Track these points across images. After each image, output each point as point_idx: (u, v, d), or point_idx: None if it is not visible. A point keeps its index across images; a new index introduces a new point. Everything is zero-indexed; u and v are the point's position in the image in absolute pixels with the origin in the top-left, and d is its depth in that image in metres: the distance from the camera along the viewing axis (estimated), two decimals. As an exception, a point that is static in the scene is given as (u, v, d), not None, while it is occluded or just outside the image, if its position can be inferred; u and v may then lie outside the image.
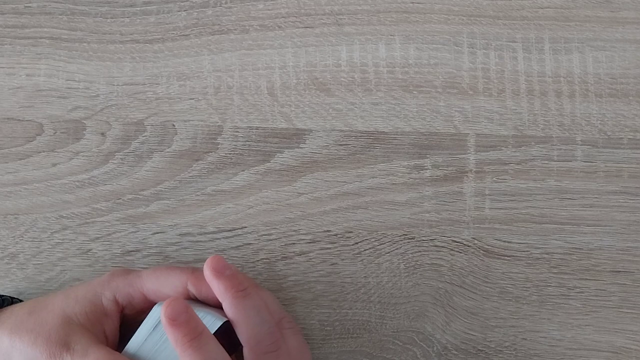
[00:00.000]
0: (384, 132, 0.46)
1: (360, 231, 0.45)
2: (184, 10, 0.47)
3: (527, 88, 0.46)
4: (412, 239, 0.45)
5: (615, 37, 0.46)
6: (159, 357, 0.37)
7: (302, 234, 0.45)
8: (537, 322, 0.44)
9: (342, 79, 0.46)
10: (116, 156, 0.46)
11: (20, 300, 0.43)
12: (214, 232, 0.46)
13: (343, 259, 0.45)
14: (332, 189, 0.46)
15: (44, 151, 0.46)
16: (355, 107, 0.46)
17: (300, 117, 0.46)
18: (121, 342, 0.40)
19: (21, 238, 0.46)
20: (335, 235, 0.45)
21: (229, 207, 0.46)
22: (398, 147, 0.46)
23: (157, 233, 0.46)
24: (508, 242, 0.45)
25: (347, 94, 0.46)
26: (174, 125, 0.46)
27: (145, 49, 0.47)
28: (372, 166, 0.46)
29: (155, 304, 0.39)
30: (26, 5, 0.48)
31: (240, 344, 0.37)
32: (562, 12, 0.46)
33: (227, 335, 0.37)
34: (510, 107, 0.46)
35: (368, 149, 0.46)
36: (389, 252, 0.45)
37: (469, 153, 0.45)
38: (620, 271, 0.44)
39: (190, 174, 0.46)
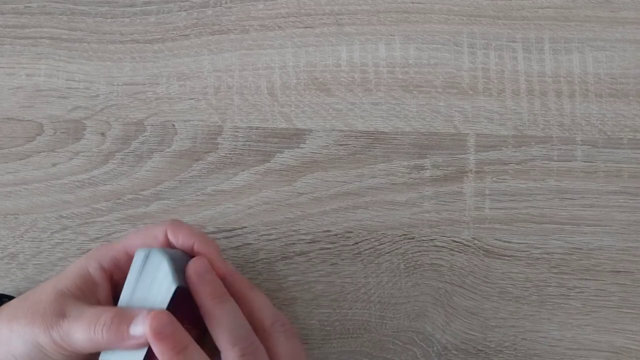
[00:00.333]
0: (384, 132, 0.46)
1: (360, 231, 0.45)
2: (184, 10, 0.47)
3: (527, 88, 0.46)
4: (412, 239, 0.45)
5: (615, 37, 0.46)
6: (150, 301, 0.37)
7: (302, 234, 0.45)
8: (537, 322, 0.44)
9: (342, 79, 0.46)
10: (116, 156, 0.46)
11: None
12: (214, 232, 0.46)
13: (343, 259, 0.45)
14: (332, 189, 0.46)
15: (44, 151, 0.46)
16: (355, 107, 0.46)
17: (300, 117, 0.46)
18: None
19: (21, 238, 0.46)
20: (335, 235, 0.45)
21: (229, 207, 0.46)
22: (398, 147, 0.46)
23: (157, 233, 0.46)
24: (508, 242, 0.45)
25: (347, 94, 0.46)
26: (174, 125, 0.46)
27: (145, 49, 0.47)
28: (372, 166, 0.46)
29: None
30: (26, 5, 0.48)
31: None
32: (562, 12, 0.46)
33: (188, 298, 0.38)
34: (510, 107, 0.46)
35: (368, 149, 0.46)
36: (389, 252, 0.45)
37: (469, 153, 0.45)
38: (620, 271, 0.44)
39: (190, 174, 0.46)
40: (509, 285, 0.45)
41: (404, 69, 0.46)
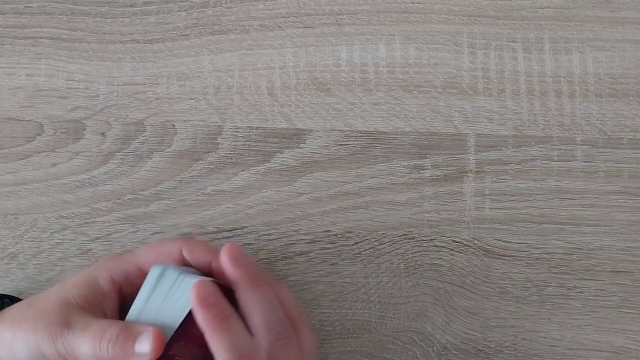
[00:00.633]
0: (384, 132, 0.46)
1: (360, 231, 0.45)
2: (184, 10, 0.47)
3: (527, 88, 0.46)
4: (412, 239, 0.45)
5: (615, 37, 0.46)
6: (160, 318, 0.37)
7: (302, 234, 0.45)
8: (537, 322, 0.44)
9: (342, 79, 0.46)
10: (116, 156, 0.46)
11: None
12: (214, 232, 0.46)
13: (343, 259, 0.45)
14: (332, 189, 0.46)
15: (44, 151, 0.46)
16: (355, 107, 0.46)
17: (300, 117, 0.46)
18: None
19: (21, 238, 0.46)
20: (335, 235, 0.45)
21: (229, 207, 0.46)
22: (398, 147, 0.46)
23: (157, 233, 0.46)
24: (508, 242, 0.45)
25: (347, 94, 0.46)
26: (174, 125, 0.46)
27: (145, 49, 0.47)
28: (372, 166, 0.46)
29: None
30: (26, 5, 0.48)
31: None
32: (562, 12, 0.46)
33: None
34: (510, 107, 0.46)
35: (368, 149, 0.46)
36: (389, 252, 0.45)
37: (469, 153, 0.45)
38: (620, 271, 0.44)
39: (190, 174, 0.46)
40: (509, 285, 0.45)
41: (404, 69, 0.46)
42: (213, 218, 0.46)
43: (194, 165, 0.46)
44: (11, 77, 0.47)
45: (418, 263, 0.45)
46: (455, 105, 0.46)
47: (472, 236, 0.45)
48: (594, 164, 0.45)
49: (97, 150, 0.46)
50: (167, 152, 0.46)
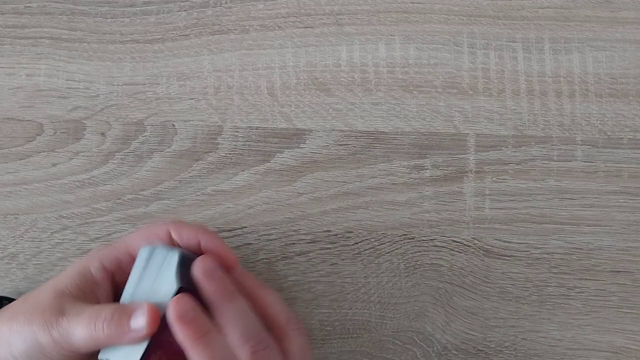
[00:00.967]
0: (384, 132, 0.46)
1: (360, 231, 0.45)
2: (184, 10, 0.47)
3: (527, 88, 0.46)
4: (412, 239, 0.45)
5: (615, 37, 0.46)
6: (153, 297, 0.37)
7: (302, 234, 0.45)
8: (537, 322, 0.44)
9: (342, 79, 0.46)
10: (116, 156, 0.46)
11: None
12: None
13: (343, 259, 0.45)
14: (332, 189, 0.46)
15: (44, 151, 0.46)
16: (355, 107, 0.46)
17: (300, 117, 0.46)
18: None
19: (21, 238, 0.46)
20: (335, 235, 0.45)
21: (229, 207, 0.46)
22: (398, 147, 0.46)
23: (157, 233, 0.46)
24: (508, 242, 0.45)
25: (347, 94, 0.46)
26: (174, 125, 0.46)
27: (145, 49, 0.47)
28: (372, 166, 0.46)
29: None
30: (26, 5, 0.48)
31: None
32: (562, 12, 0.46)
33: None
34: (510, 107, 0.46)
35: (368, 149, 0.46)
36: (389, 252, 0.45)
37: (469, 153, 0.45)
38: (620, 271, 0.44)
39: (190, 174, 0.46)
40: (509, 285, 0.45)
41: (404, 69, 0.46)
42: (213, 218, 0.46)
43: (194, 165, 0.46)
44: (11, 77, 0.47)
45: (418, 263, 0.45)
46: (455, 105, 0.46)
47: (472, 236, 0.45)
48: (594, 164, 0.45)
49: (97, 150, 0.46)
50: (167, 152, 0.46)
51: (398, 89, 0.46)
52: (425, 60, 0.46)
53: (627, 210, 0.45)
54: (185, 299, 0.35)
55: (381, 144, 0.46)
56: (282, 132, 0.46)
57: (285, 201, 0.46)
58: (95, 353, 0.36)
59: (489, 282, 0.45)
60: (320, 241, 0.45)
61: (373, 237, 0.45)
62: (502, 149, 0.45)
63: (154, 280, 0.37)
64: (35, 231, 0.46)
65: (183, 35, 0.47)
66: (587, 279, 0.45)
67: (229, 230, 0.46)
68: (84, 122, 0.47)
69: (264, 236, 0.45)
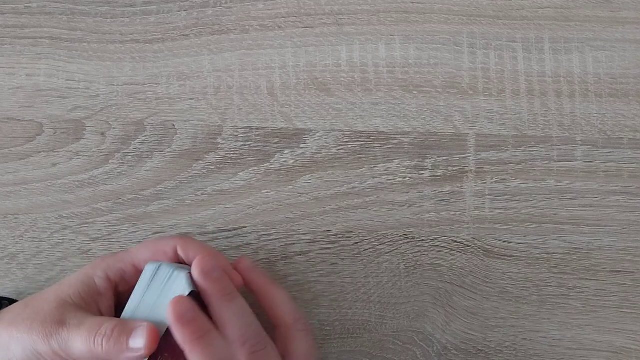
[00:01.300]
0: (384, 132, 0.46)
1: (360, 231, 0.45)
2: (184, 10, 0.47)
3: (527, 88, 0.46)
4: (412, 239, 0.45)
5: (615, 37, 0.46)
6: (155, 315, 0.37)
7: (302, 234, 0.45)
8: (537, 322, 0.44)
9: (342, 79, 0.46)
10: (116, 156, 0.46)
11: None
12: (214, 232, 0.46)
13: (343, 259, 0.45)
14: (332, 189, 0.46)
15: (44, 151, 0.46)
16: (355, 107, 0.46)
17: (300, 117, 0.46)
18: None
19: (21, 238, 0.46)
20: (335, 235, 0.45)
21: (229, 207, 0.46)
22: (398, 147, 0.46)
23: (157, 233, 0.46)
24: (508, 242, 0.45)
25: (347, 94, 0.46)
26: (174, 125, 0.46)
27: (145, 49, 0.47)
28: (372, 166, 0.46)
29: None
30: (26, 5, 0.48)
31: None
32: (562, 12, 0.46)
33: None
34: (510, 107, 0.46)
35: (368, 149, 0.46)
36: (389, 252, 0.45)
37: (469, 153, 0.45)
38: (620, 271, 0.44)
39: (190, 174, 0.46)
40: (509, 285, 0.45)
41: (404, 69, 0.46)
42: (213, 218, 0.46)
43: (194, 165, 0.46)
44: (11, 77, 0.47)
45: (418, 263, 0.45)
46: (455, 105, 0.46)
47: (472, 236, 0.45)
48: (594, 164, 0.45)
49: (97, 150, 0.46)
50: (167, 152, 0.46)
51: (398, 89, 0.46)
52: (425, 60, 0.46)
53: (627, 210, 0.45)
54: (185, 300, 0.35)
55: (381, 144, 0.46)
56: (282, 132, 0.46)
57: (285, 201, 0.46)
58: None
59: (489, 282, 0.45)
60: (320, 241, 0.45)
61: (373, 237, 0.45)
62: (502, 149, 0.45)
63: (158, 297, 0.37)
64: (35, 231, 0.46)
65: (183, 35, 0.47)
66: (587, 279, 0.45)
67: (229, 230, 0.46)
68: (84, 122, 0.47)
69: (264, 236, 0.45)
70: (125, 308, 0.38)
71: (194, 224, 0.46)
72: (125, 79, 0.47)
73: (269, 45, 0.47)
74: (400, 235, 0.45)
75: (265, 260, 0.45)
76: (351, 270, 0.45)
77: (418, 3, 0.47)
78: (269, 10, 0.47)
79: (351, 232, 0.45)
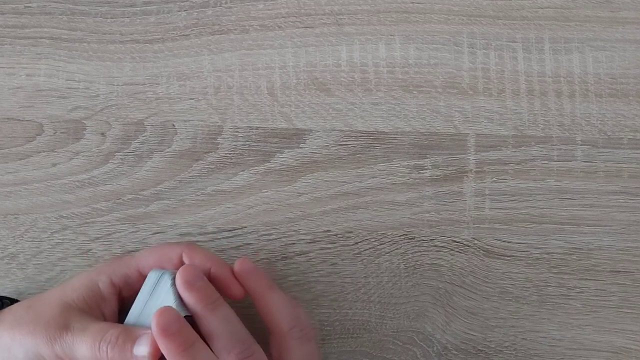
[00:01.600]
0: (384, 132, 0.46)
1: (360, 231, 0.45)
2: (184, 10, 0.47)
3: (527, 88, 0.46)
4: (412, 239, 0.45)
5: (615, 37, 0.46)
6: None
7: (302, 234, 0.45)
8: (537, 322, 0.44)
9: (342, 79, 0.46)
10: (116, 156, 0.46)
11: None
12: (214, 232, 0.46)
13: (343, 259, 0.45)
14: (332, 189, 0.46)
15: (44, 151, 0.46)
16: (355, 107, 0.46)
17: (300, 117, 0.46)
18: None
19: (21, 238, 0.46)
20: (335, 235, 0.45)
21: (229, 207, 0.46)
22: (398, 147, 0.46)
23: (157, 233, 0.46)
24: (508, 242, 0.45)
25: (347, 94, 0.46)
26: (174, 125, 0.46)
27: (145, 49, 0.47)
28: (372, 166, 0.46)
29: None
30: (26, 5, 0.48)
31: None
32: (562, 12, 0.46)
33: None
34: (510, 107, 0.46)
35: (368, 149, 0.46)
36: (389, 252, 0.45)
37: (469, 153, 0.45)
38: (620, 271, 0.44)
39: (190, 174, 0.46)
40: (509, 285, 0.45)
41: (404, 69, 0.46)
42: (213, 218, 0.46)
43: (194, 165, 0.46)
44: (11, 77, 0.47)
45: (418, 263, 0.45)
46: (455, 105, 0.46)
47: (472, 236, 0.45)
48: (594, 164, 0.45)
49: (97, 150, 0.46)
50: (167, 152, 0.46)
51: (398, 89, 0.46)
52: (425, 60, 0.46)
53: (627, 210, 0.45)
54: (169, 311, 0.35)
55: (381, 144, 0.46)
56: (282, 132, 0.46)
57: (285, 201, 0.46)
58: None
59: (489, 282, 0.45)
60: (320, 241, 0.45)
61: (373, 237, 0.45)
62: (502, 149, 0.45)
63: (160, 304, 0.37)
64: (35, 231, 0.46)
65: (183, 35, 0.47)
66: (587, 279, 0.45)
67: (229, 230, 0.46)
68: (84, 122, 0.47)
69: (264, 236, 0.45)
70: (129, 314, 0.38)
71: (194, 224, 0.46)
72: (125, 79, 0.47)
73: (269, 45, 0.47)
74: (400, 235, 0.45)
75: (265, 260, 0.45)
76: (351, 270, 0.45)
77: (418, 3, 0.47)
78: (269, 10, 0.47)
79: (351, 232, 0.45)
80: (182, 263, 0.39)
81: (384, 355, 0.45)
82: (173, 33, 0.47)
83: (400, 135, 0.46)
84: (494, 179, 0.45)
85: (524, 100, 0.46)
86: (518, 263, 0.45)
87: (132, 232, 0.46)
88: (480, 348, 0.44)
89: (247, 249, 0.45)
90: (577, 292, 0.44)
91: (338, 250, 0.45)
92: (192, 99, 0.47)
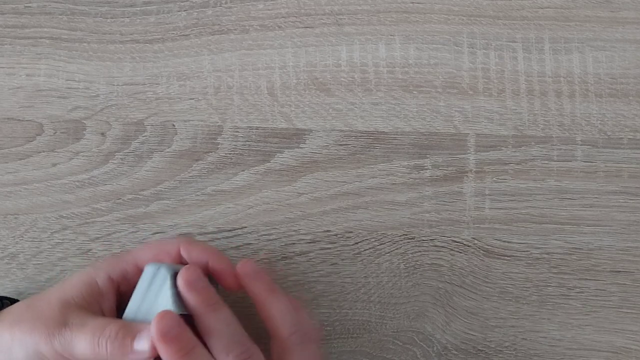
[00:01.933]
0: (384, 132, 0.46)
1: (360, 231, 0.45)
2: (184, 10, 0.47)
3: (527, 88, 0.46)
4: (412, 239, 0.45)
5: (615, 37, 0.46)
6: (153, 316, 0.36)
7: (302, 234, 0.45)
8: (537, 322, 0.44)
9: (342, 79, 0.46)
10: (116, 156, 0.46)
11: (20, 300, 0.43)
12: (214, 232, 0.46)
13: (343, 259, 0.45)
14: (332, 189, 0.46)
15: (44, 151, 0.46)
16: (355, 107, 0.46)
17: (300, 117, 0.46)
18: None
19: (21, 238, 0.46)
20: (335, 235, 0.45)
21: (229, 207, 0.46)
22: (398, 147, 0.46)
23: (157, 233, 0.46)
24: (508, 242, 0.45)
25: (347, 94, 0.46)
26: (174, 125, 0.46)
27: (145, 49, 0.47)
28: (372, 166, 0.46)
29: None
30: (26, 5, 0.48)
31: None
32: (562, 12, 0.46)
33: None
34: (510, 107, 0.46)
35: (368, 149, 0.46)
36: (389, 252, 0.45)
37: (469, 153, 0.45)
38: (620, 271, 0.44)
39: (190, 174, 0.46)
40: (509, 285, 0.45)
41: (404, 69, 0.46)
42: (213, 218, 0.46)
43: (194, 165, 0.46)
44: (11, 77, 0.47)
45: (418, 263, 0.45)
46: (455, 105, 0.46)
47: (472, 236, 0.45)
48: (594, 164, 0.45)
49: (97, 150, 0.46)
50: (167, 152, 0.46)
51: (398, 89, 0.46)
52: (425, 60, 0.46)
53: (627, 210, 0.45)
54: (169, 316, 0.35)
55: (381, 144, 0.46)
56: (282, 132, 0.46)
57: (285, 201, 0.46)
58: None
59: (489, 282, 0.45)
60: (320, 241, 0.45)
61: (373, 237, 0.45)
62: (502, 149, 0.45)
63: (158, 298, 0.37)
64: (35, 231, 0.46)
65: (183, 35, 0.47)
66: (587, 279, 0.45)
67: (229, 230, 0.46)
68: (84, 122, 0.47)
69: (264, 236, 0.45)
70: (127, 309, 0.38)
71: (194, 224, 0.46)
72: (125, 79, 0.47)
73: (269, 45, 0.47)
74: (400, 235, 0.45)
75: (265, 260, 0.45)
76: (351, 270, 0.45)
77: (418, 3, 0.47)
78: (269, 10, 0.47)
79: (351, 232, 0.45)
80: (180, 257, 0.39)
81: (384, 355, 0.45)
82: (173, 33, 0.47)
83: (400, 135, 0.46)
84: (494, 179, 0.45)
85: (524, 100, 0.46)
86: (518, 263, 0.45)
87: (132, 232, 0.46)
88: (480, 348, 0.44)
89: (247, 249, 0.45)
90: (577, 292, 0.44)
91: (338, 250, 0.45)
92: (192, 99, 0.47)
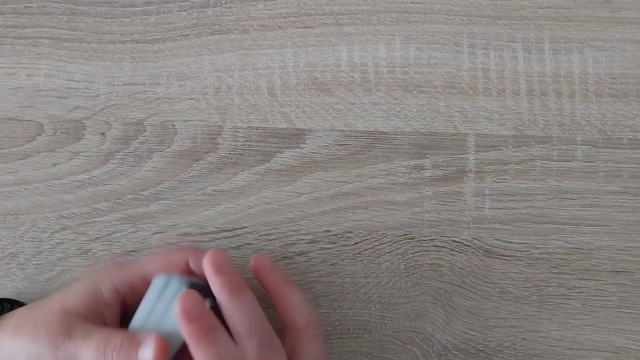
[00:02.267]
0: (384, 132, 0.46)
1: (360, 231, 0.45)
2: (184, 10, 0.47)
3: (527, 88, 0.46)
4: (412, 239, 0.45)
5: (615, 37, 0.46)
6: (164, 328, 0.36)
7: (302, 234, 0.45)
8: (537, 322, 0.44)
9: (342, 79, 0.46)
10: (116, 156, 0.46)
11: (22, 304, 0.43)
12: (214, 232, 0.46)
13: (343, 259, 0.45)
14: (332, 189, 0.46)
15: (44, 151, 0.46)
16: (355, 107, 0.46)
17: (300, 117, 0.46)
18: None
19: (21, 238, 0.46)
20: (335, 235, 0.45)
21: (229, 207, 0.46)
22: (398, 147, 0.46)
23: (157, 233, 0.46)
24: (508, 242, 0.45)
25: (347, 94, 0.46)
26: (174, 125, 0.46)
27: (145, 49, 0.47)
28: (372, 166, 0.46)
29: None
30: (26, 5, 0.48)
31: None
32: (562, 12, 0.46)
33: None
34: (510, 107, 0.46)
35: (368, 149, 0.46)
36: (389, 252, 0.45)
37: (469, 153, 0.46)
38: (620, 271, 0.44)
39: (190, 174, 0.46)
40: (509, 285, 0.45)
41: (404, 69, 0.46)
42: (213, 218, 0.46)
43: (194, 165, 0.46)
44: (11, 77, 0.47)
45: (418, 263, 0.45)
46: (455, 105, 0.46)
47: (472, 236, 0.45)
48: (594, 164, 0.45)
49: (97, 150, 0.46)
50: (167, 152, 0.46)
51: (398, 89, 0.46)
52: (425, 60, 0.46)
53: (627, 210, 0.45)
54: (193, 295, 0.35)
55: (381, 144, 0.46)
56: (282, 132, 0.46)
57: (285, 201, 0.46)
58: None
59: (489, 282, 0.45)
60: (320, 241, 0.45)
61: (373, 237, 0.45)
62: (502, 149, 0.45)
63: (167, 310, 0.37)
64: (35, 231, 0.46)
65: (183, 35, 0.47)
66: (587, 279, 0.45)
67: (229, 230, 0.46)
68: (84, 122, 0.47)
69: (264, 236, 0.45)
70: (134, 319, 0.37)
71: (194, 224, 0.46)
72: (125, 79, 0.47)
73: (269, 45, 0.47)
74: (400, 235, 0.45)
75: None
76: (351, 270, 0.45)
77: (418, 3, 0.47)
78: (269, 10, 0.47)
79: (351, 232, 0.45)
80: (188, 268, 0.39)
81: (384, 355, 0.45)
82: (173, 33, 0.47)
83: (400, 135, 0.46)
84: (494, 179, 0.45)
85: (524, 100, 0.46)
86: (518, 263, 0.45)
87: (132, 232, 0.46)
88: (480, 348, 0.44)
89: (247, 249, 0.45)
90: (577, 292, 0.44)
91: (338, 250, 0.45)
92: (192, 99, 0.47)
